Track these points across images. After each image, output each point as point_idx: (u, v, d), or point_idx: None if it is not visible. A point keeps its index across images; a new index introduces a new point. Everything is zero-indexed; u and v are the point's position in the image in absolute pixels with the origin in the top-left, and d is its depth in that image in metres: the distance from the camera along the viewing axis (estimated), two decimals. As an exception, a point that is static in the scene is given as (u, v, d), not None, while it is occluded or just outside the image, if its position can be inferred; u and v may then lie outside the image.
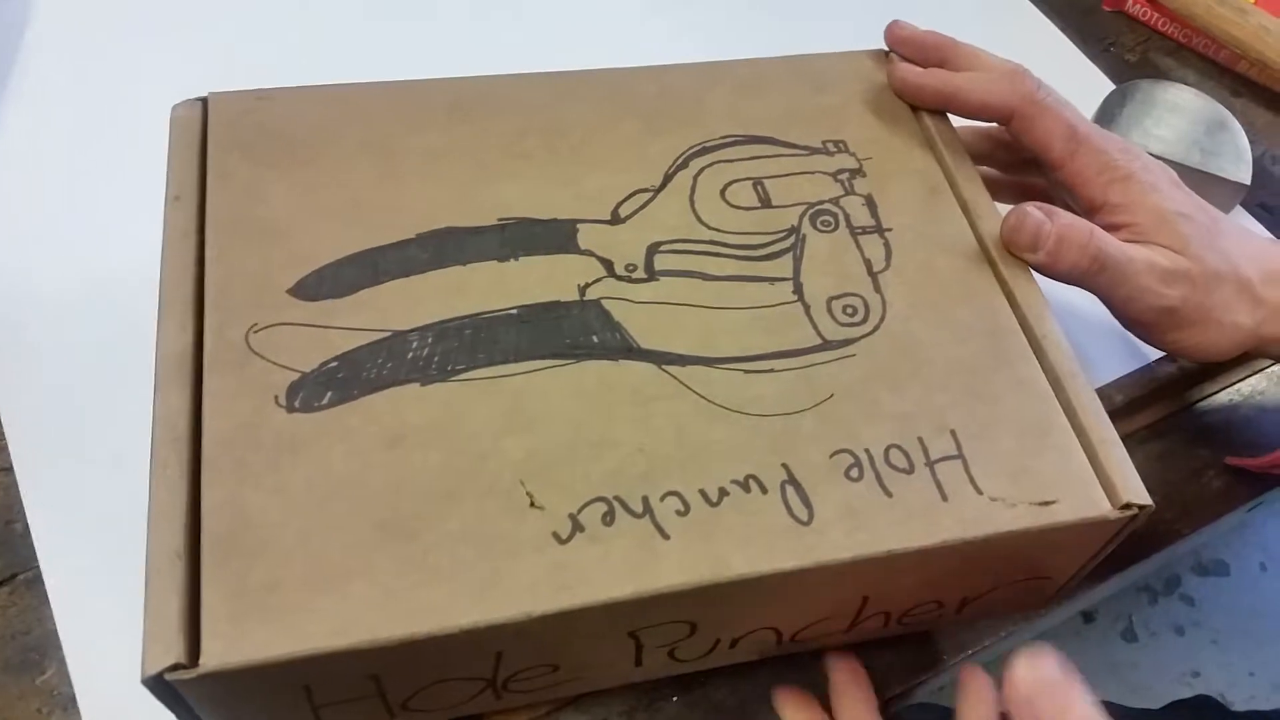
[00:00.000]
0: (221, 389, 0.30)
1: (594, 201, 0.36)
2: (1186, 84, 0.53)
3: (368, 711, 0.31)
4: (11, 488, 0.39)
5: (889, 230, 0.36)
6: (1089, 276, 0.35)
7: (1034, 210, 0.35)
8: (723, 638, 0.33)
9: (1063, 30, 0.57)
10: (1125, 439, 0.43)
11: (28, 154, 0.48)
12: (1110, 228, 0.36)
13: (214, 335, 0.31)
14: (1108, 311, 0.37)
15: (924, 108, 0.40)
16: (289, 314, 0.32)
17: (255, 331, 0.31)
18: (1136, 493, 0.31)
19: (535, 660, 0.31)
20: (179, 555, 0.27)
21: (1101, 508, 0.31)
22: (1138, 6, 0.57)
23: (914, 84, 0.39)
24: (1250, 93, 0.55)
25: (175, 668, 0.25)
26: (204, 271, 0.32)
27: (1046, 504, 0.30)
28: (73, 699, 0.35)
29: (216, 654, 0.26)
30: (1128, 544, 0.41)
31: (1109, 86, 0.54)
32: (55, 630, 0.36)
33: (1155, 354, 0.45)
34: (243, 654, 0.26)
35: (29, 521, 0.38)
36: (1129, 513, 0.31)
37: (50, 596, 0.36)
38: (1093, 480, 0.31)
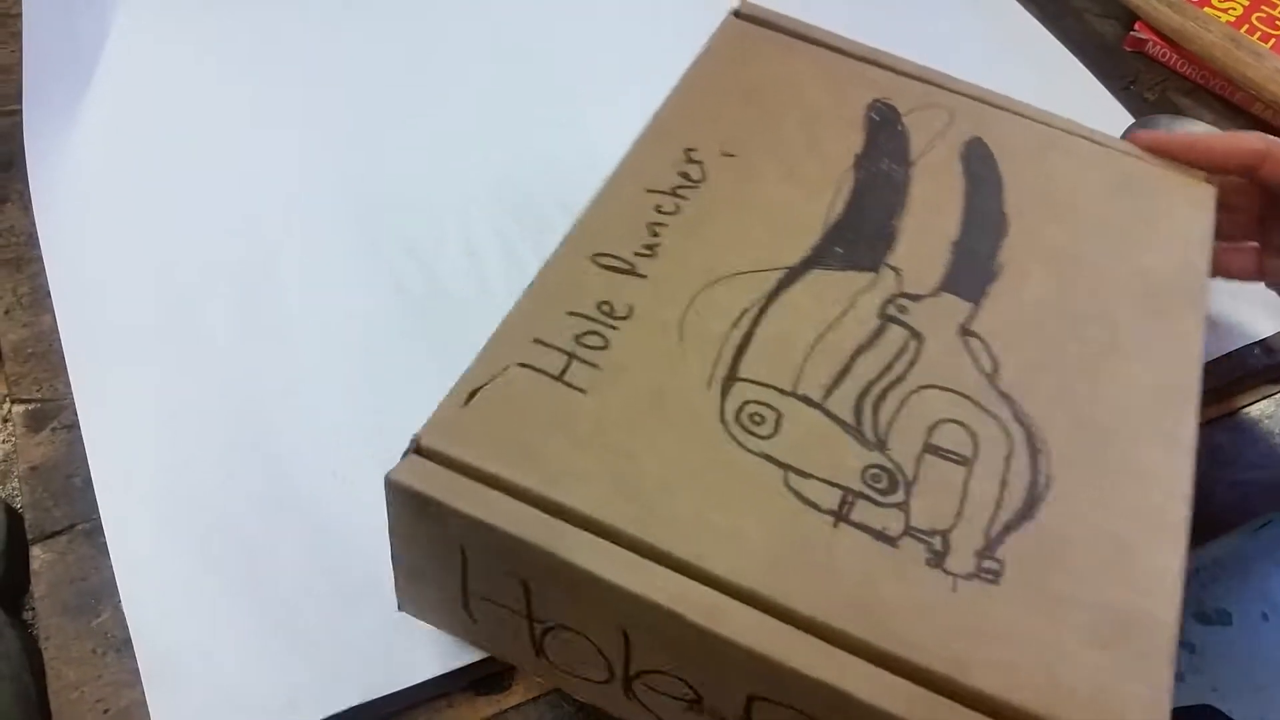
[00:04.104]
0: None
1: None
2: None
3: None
4: (76, 443, 0.40)
5: None
6: None
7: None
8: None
9: (1086, 67, 0.59)
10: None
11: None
12: None
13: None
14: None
15: (1171, 156, 0.42)
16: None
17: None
18: None
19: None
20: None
21: None
22: (1157, 47, 0.60)
23: (1163, 139, 0.43)
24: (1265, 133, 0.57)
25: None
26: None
27: None
28: (126, 641, 0.36)
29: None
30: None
31: (1130, 121, 0.56)
32: (110, 577, 0.37)
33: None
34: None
35: (92, 475, 0.40)
36: None
37: (109, 545, 0.38)
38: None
